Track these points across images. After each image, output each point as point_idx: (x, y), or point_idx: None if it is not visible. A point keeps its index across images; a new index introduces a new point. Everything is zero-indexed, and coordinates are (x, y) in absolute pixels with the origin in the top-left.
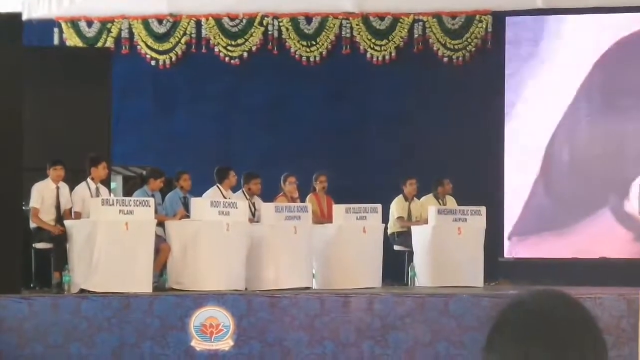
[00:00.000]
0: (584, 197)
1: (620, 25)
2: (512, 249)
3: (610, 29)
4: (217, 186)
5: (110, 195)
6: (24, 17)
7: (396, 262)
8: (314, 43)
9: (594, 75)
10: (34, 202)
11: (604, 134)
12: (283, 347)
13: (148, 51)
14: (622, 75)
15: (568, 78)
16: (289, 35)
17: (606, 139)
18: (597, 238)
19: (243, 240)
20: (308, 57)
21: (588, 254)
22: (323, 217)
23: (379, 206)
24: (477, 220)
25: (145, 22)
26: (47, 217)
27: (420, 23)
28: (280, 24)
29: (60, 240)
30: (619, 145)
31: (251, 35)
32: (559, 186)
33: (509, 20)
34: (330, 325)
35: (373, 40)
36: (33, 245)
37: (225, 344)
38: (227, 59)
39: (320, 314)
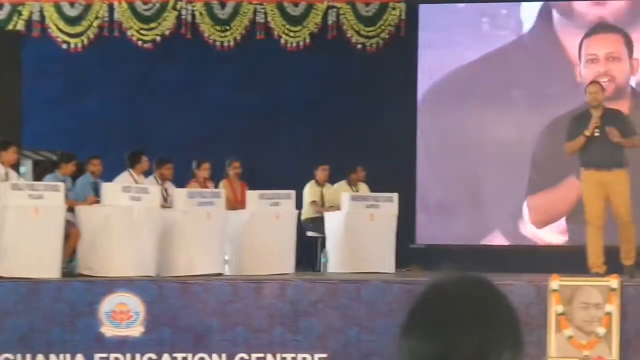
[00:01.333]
0: (497, 184)
1: (532, 15)
2: (423, 235)
3: (526, 18)
4: (129, 171)
5: (19, 179)
6: None
7: (309, 248)
8: (228, 28)
9: (505, 63)
10: None
11: (516, 121)
12: (194, 333)
13: (60, 34)
14: (529, 65)
15: (480, 66)
16: (203, 20)
17: (517, 126)
18: (508, 224)
19: (155, 226)
20: (222, 42)
21: (499, 240)
22: (236, 203)
23: (292, 192)
24: (389, 206)
25: (56, 5)
26: None
27: (334, 10)
28: (194, 8)
29: None
30: (524, 132)
31: (164, 20)
32: (471, 173)
33: (422, 7)
34: (242, 311)
35: (287, 27)
36: None
37: (136, 330)
38: (139, 42)
39: (232, 300)
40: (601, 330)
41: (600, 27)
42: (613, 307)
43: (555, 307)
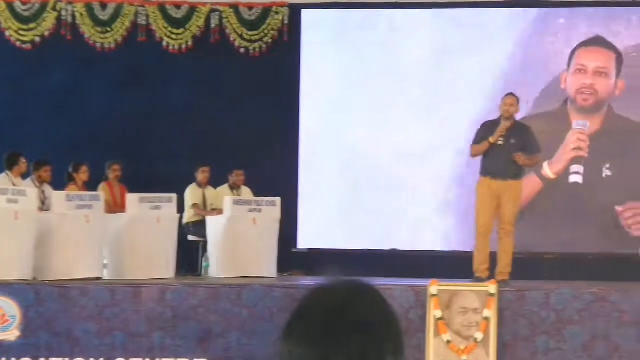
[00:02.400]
0: (377, 187)
1: (417, 20)
2: (305, 240)
3: (407, 24)
4: (7, 173)
5: None
6: None
7: (190, 252)
8: (109, 30)
9: (390, 69)
10: None
11: (401, 126)
12: (72, 337)
13: None
14: (415, 71)
15: (362, 71)
16: (83, 21)
17: (401, 131)
18: (390, 229)
19: (32, 229)
20: (103, 44)
21: (380, 245)
22: (116, 207)
23: (173, 196)
24: (272, 211)
25: None
26: None
27: (217, 13)
28: (75, 9)
29: None
30: (409, 137)
31: (44, 20)
32: (354, 177)
33: (305, 12)
34: (121, 315)
35: (169, 29)
36: None
37: (11, 335)
38: (18, 43)
39: (110, 304)
40: (479, 335)
41: (596, 40)
42: (491, 312)
43: (434, 312)
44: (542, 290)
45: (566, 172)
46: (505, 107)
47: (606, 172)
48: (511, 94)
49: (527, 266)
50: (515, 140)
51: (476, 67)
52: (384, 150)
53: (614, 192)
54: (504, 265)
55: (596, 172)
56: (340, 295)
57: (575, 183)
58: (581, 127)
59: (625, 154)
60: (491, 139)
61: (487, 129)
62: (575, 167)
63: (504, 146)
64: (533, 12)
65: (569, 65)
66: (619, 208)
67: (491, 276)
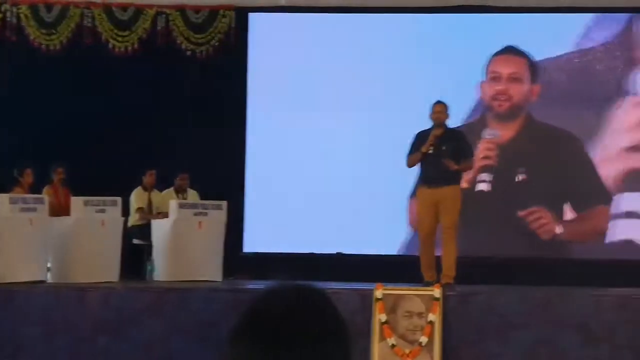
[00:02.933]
0: (325, 191)
1: (363, 25)
2: (252, 244)
3: (355, 29)
4: None
5: None
6: None
7: (135, 256)
8: (54, 32)
9: (339, 72)
10: None
11: (350, 130)
12: (16, 341)
13: None
14: (364, 75)
15: (308, 75)
16: (28, 22)
17: (350, 134)
18: (336, 233)
19: None
20: (48, 46)
21: (326, 249)
22: (60, 210)
23: (118, 199)
24: (218, 214)
25: None
26: None
27: (164, 16)
28: (19, 11)
29: None
30: (358, 140)
31: None
32: (300, 181)
33: (252, 16)
34: (65, 319)
35: (115, 31)
36: None
37: None
38: None
39: (55, 307)
40: (423, 339)
41: (508, 49)
42: (435, 316)
43: (379, 316)
44: (486, 294)
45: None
46: (435, 115)
47: (520, 177)
48: (439, 101)
49: (472, 271)
50: (447, 147)
51: (411, 73)
52: (331, 154)
53: (526, 197)
54: (447, 268)
55: (509, 178)
56: (290, 299)
57: (482, 191)
58: (491, 136)
59: (542, 159)
60: (423, 149)
61: (420, 138)
62: (482, 176)
63: (437, 154)
64: (453, 19)
65: (485, 74)
66: (521, 212)
67: (438, 280)
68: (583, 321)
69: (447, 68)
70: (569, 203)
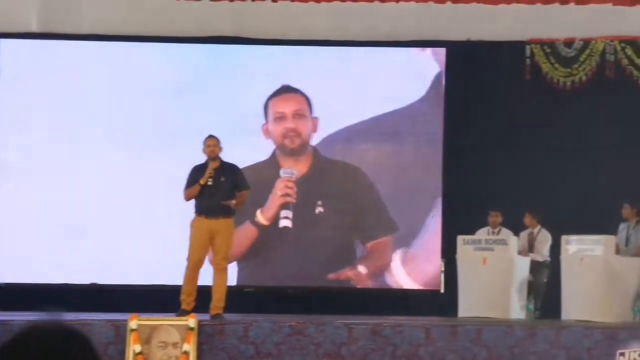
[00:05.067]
0: (79, 221)
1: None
2: (1, 274)
3: (113, 58)
4: None
5: None
6: None
7: None
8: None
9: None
10: None
11: (108, 158)
12: None
13: None
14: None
15: (58, 103)
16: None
17: (107, 166)
18: (90, 263)
19: None
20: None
21: (80, 279)
22: None
23: None
24: None
25: None
26: None
27: None
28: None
29: None
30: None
31: None
32: (53, 210)
33: (3, 42)
34: None
35: None
36: None
37: None
38: None
39: None
40: None
41: (285, 88)
42: (190, 346)
43: (133, 347)
44: (241, 323)
45: (278, 218)
46: (208, 149)
47: (319, 210)
48: (211, 135)
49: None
50: (225, 179)
51: (198, 104)
52: (83, 184)
53: (326, 228)
54: (217, 299)
55: (310, 211)
56: (41, 338)
57: (285, 227)
58: (288, 175)
59: (333, 191)
60: (201, 181)
61: (197, 171)
62: (284, 212)
63: (215, 185)
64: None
65: (265, 116)
66: (331, 276)
67: (197, 309)
68: (334, 350)
69: (228, 106)
70: (359, 238)
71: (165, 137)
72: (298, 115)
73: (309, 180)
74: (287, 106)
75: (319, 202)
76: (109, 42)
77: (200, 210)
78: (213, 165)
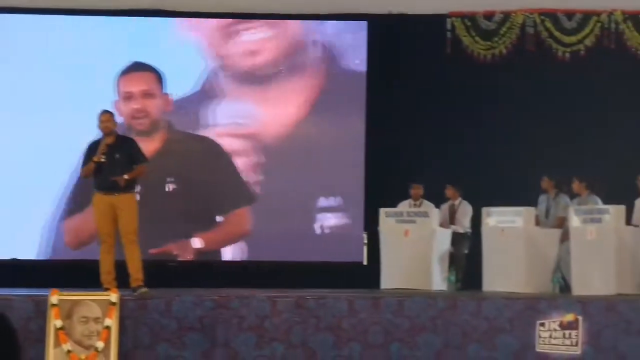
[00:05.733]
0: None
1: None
2: None
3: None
4: None
5: None
6: None
7: None
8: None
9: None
10: None
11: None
12: None
13: None
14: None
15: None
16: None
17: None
18: (8, 238)
19: None
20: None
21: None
22: None
23: None
24: None
25: None
26: None
27: None
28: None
29: None
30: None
31: None
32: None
33: None
34: None
35: None
36: None
37: None
38: None
39: None
40: (100, 344)
41: (135, 66)
42: (112, 321)
43: (54, 322)
44: (163, 298)
45: None
46: (102, 124)
47: (170, 187)
48: (105, 110)
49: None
50: (120, 155)
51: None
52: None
53: (180, 205)
54: (135, 271)
55: (161, 188)
56: None
57: None
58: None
59: (189, 167)
60: (95, 158)
61: (93, 148)
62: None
63: (110, 162)
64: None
65: (117, 93)
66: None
67: (120, 285)
68: (258, 323)
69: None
70: (215, 208)
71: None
72: (146, 94)
73: (160, 158)
74: (134, 86)
75: (169, 179)
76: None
77: (98, 187)
78: (108, 141)
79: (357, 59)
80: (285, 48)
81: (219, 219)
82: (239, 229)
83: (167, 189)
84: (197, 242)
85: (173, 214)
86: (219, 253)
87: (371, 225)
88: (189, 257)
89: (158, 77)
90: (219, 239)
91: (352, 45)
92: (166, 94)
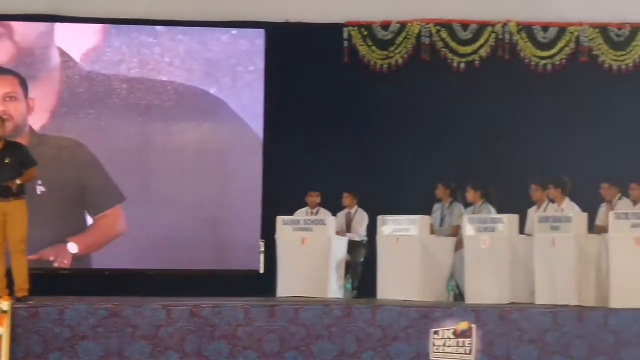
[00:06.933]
0: None
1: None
2: None
3: None
4: None
5: None
6: None
7: None
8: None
9: None
10: None
11: None
12: None
13: None
14: None
15: None
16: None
17: None
18: None
19: None
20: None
21: None
22: None
23: None
24: None
25: None
26: None
27: None
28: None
29: None
30: None
31: None
32: None
33: None
34: None
35: None
36: None
37: None
38: None
39: None
40: None
41: None
42: (3, 330)
43: None
44: (56, 306)
45: None
46: None
47: (40, 190)
48: None
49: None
50: (10, 159)
51: None
52: None
53: (52, 206)
54: (21, 281)
55: (32, 192)
56: None
57: None
58: None
59: (57, 169)
60: None
61: None
62: None
63: (1, 167)
64: None
65: None
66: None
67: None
68: (152, 332)
69: None
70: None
71: None
72: (9, 97)
73: None
74: None
75: (38, 182)
76: None
77: None
78: None
79: (252, 66)
80: None
81: (90, 220)
82: (112, 230)
83: (38, 192)
84: (73, 247)
85: (46, 218)
86: (105, 259)
87: (268, 233)
88: (65, 261)
89: (20, 81)
90: (93, 241)
91: (249, 52)
92: (30, 98)
